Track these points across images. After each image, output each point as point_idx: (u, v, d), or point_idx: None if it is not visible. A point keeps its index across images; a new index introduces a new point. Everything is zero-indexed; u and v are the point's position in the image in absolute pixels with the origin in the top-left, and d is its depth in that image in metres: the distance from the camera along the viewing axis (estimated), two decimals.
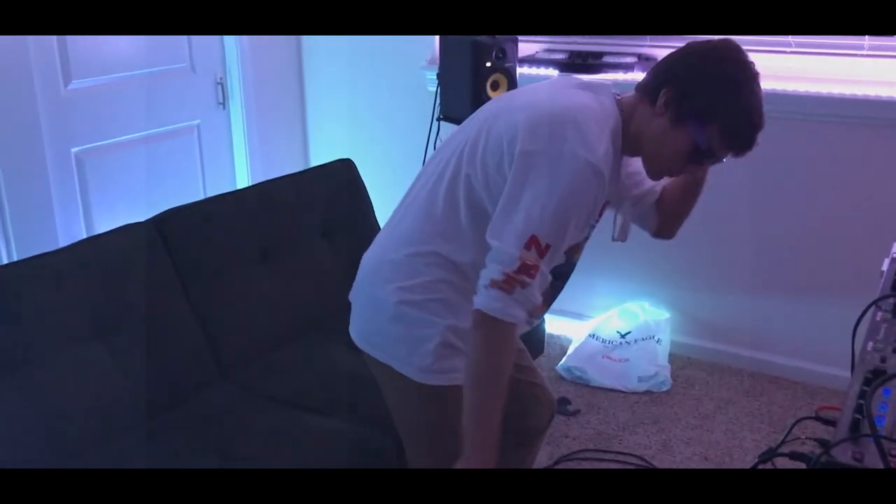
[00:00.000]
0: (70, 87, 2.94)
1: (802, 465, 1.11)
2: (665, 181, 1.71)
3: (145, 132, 3.24)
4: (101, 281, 2.12)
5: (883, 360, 1.30)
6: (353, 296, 1.72)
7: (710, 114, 1.44)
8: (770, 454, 1.21)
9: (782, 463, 1.18)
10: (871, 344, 1.35)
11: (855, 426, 1.09)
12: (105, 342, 2.07)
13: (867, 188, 2.84)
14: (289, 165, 3.76)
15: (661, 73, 1.51)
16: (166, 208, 2.38)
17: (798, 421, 1.28)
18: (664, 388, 3.05)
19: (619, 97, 1.56)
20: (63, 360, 1.98)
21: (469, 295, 1.48)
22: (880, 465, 1.01)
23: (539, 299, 1.45)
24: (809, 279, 3.00)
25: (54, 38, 2.85)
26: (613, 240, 1.77)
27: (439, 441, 1.65)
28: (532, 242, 1.40)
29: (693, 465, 2.62)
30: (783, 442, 1.21)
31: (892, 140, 2.77)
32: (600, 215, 1.63)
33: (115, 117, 3.12)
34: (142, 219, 2.32)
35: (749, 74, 1.45)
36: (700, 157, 1.50)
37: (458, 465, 1.52)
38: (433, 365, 1.57)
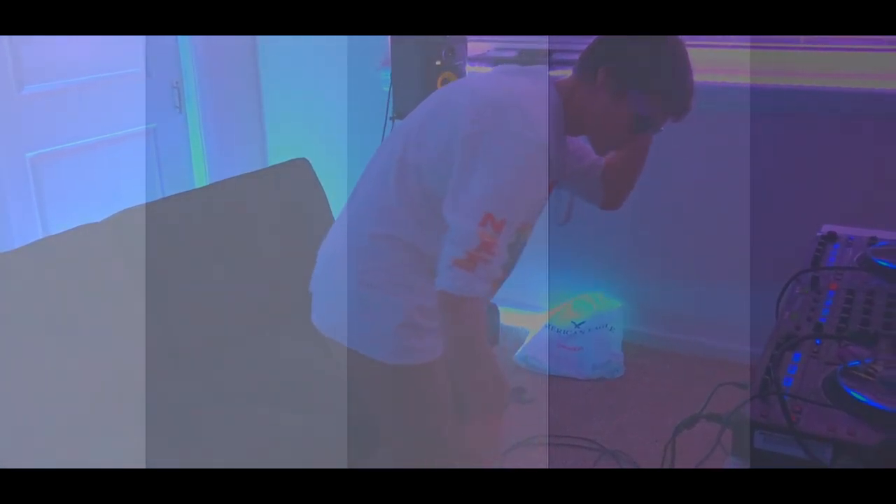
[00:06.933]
0: (24, 91, 2.95)
1: (718, 426, 1.19)
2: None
3: (101, 136, 3.25)
4: (57, 280, 2.14)
5: (797, 327, 1.38)
6: (315, 285, 1.76)
7: (648, 81, 1.53)
8: (691, 420, 1.28)
9: (701, 425, 1.25)
10: (787, 313, 1.43)
11: (764, 386, 1.17)
12: (61, 340, 2.09)
13: (803, 175, 2.95)
14: (247, 167, 3.75)
15: (597, 53, 1.59)
16: None
17: (718, 386, 1.35)
18: (617, 375, 3.13)
19: (557, 81, 1.63)
20: (17, 358, 2.01)
21: (429, 274, 1.54)
22: (783, 422, 1.09)
23: (500, 274, 1.50)
24: (754, 266, 3.10)
25: (6, 41, 2.83)
26: (559, 223, 1.83)
27: (411, 418, 1.70)
28: (487, 219, 1.45)
29: (645, 449, 2.69)
30: (704, 407, 1.28)
31: (822, 129, 2.89)
32: (549, 193, 1.69)
33: (71, 122, 3.13)
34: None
35: (676, 41, 1.56)
36: (643, 126, 1.58)
37: (484, 405, 1.57)
38: (399, 345, 1.62)
